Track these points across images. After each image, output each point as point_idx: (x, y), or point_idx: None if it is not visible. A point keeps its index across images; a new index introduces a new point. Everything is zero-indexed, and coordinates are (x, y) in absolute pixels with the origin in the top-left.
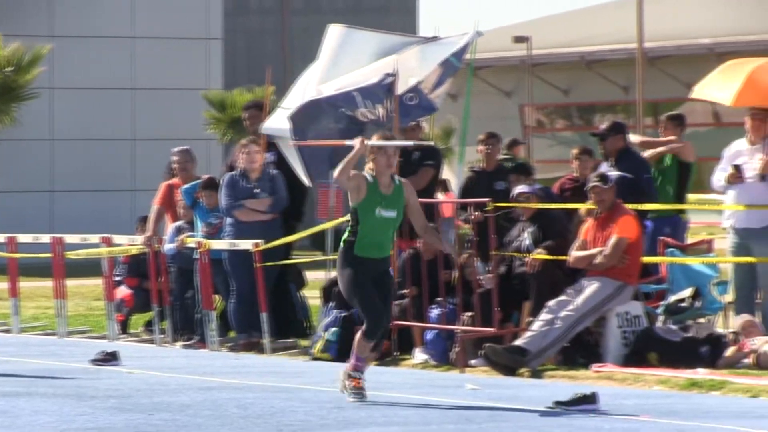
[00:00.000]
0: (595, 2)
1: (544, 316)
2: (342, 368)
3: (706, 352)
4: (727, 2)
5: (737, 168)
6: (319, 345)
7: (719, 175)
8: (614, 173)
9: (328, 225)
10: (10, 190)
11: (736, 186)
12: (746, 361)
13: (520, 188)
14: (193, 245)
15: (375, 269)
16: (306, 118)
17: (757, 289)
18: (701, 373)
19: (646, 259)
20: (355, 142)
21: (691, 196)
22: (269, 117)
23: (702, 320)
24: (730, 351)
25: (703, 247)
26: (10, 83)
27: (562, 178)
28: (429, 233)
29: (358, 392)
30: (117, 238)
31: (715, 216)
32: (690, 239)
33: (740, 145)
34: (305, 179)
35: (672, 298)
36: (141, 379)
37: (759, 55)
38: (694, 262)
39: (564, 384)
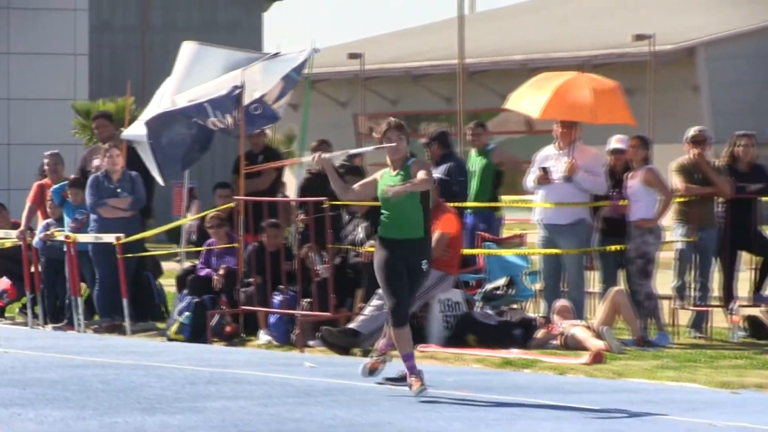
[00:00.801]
0: (421, 22)
1: (374, 302)
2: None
3: (519, 334)
4: (537, 22)
5: (545, 170)
6: (174, 327)
7: (530, 177)
8: (436, 176)
9: (183, 221)
10: None
11: (544, 186)
12: (554, 342)
13: None
14: (61, 238)
15: (401, 252)
16: (161, 124)
17: (563, 279)
18: (514, 353)
19: (466, 252)
20: (313, 158)
21: (505, 197)
22: (131, 125)
23: (515, 306)
24: (540, 333)
25: (516, 241)
26: None
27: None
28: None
29: (422, 389)
30: None
31: (527, 213)
32: (504, 234)
33: (549, 150)
34: (159, 179)
35: (488, 287)
36: (15, 357)
37: (566, 69)
38: (508, 254)
39: (394, 363)
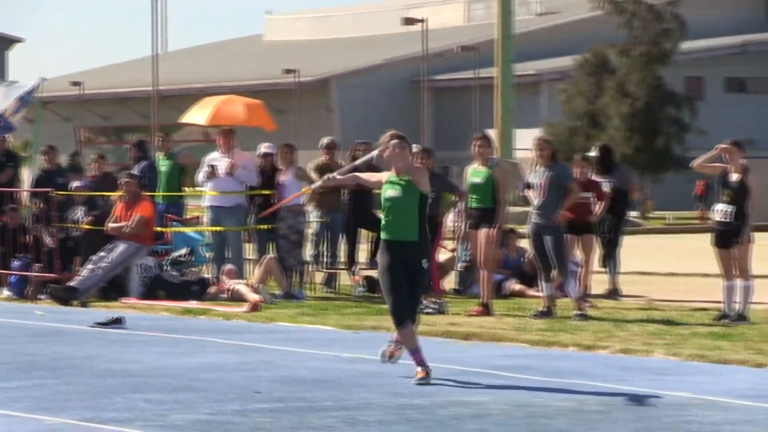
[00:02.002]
0: (127, 58)
1: (89, 265)
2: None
3: (197, 290)
4: (213, 58)
5: (213, 168)
6: None
7: (201, 174)
8: (134, 171)
9: None
10: None
11: (212, 180)
12: (223, 296)
13: (75, 183)
14: None
15: (402, 253)
16: None
17: (227, 249)
18: (193, 304)
19: (158, 229)
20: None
21: (187, 188)
22: None
23: (194, 269)
24: (212, 289)
25: (195, 221)
26: None
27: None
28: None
29: (423, 379)
30: None
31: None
32: (187, 215)
33: (215, 154)
34: None
35: (174, 255)
36: None
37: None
38: (189, 230)
39: (103, 311)
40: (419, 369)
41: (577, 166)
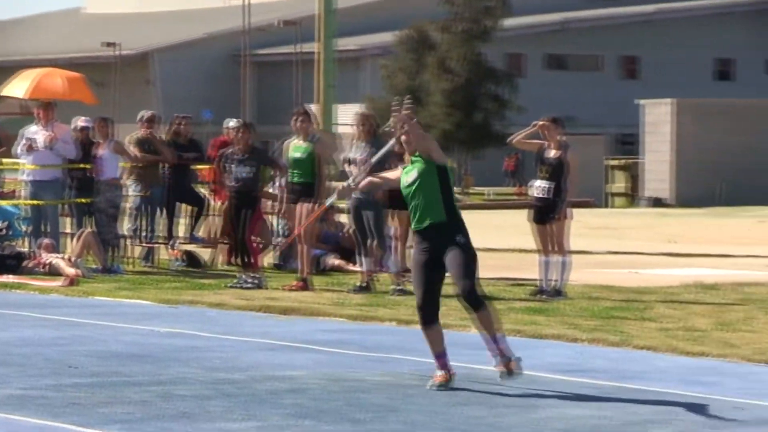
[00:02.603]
0: None
1: None
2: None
3: (13, 264)
4: (39, 33)
5: (31, 141)
6: None
7: (19, 147)
8: None
9: None
10: None
11: (31, 153)
12: (40, 270)
13: None
14: None
15: (431, 241)
16: None
17: (44, 222)
18: (10, 278)
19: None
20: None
21: (5, 160)
22: None
23: (11, 243)
24: (29, 263)
25: (12, 194)
26: None
27: None
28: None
29: (437, 384)
30: None
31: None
32: (3, 189)
33: (34, 127)
34: None
35: None
36: None
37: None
38: (5, 204)
39: None
40: (440, 373)
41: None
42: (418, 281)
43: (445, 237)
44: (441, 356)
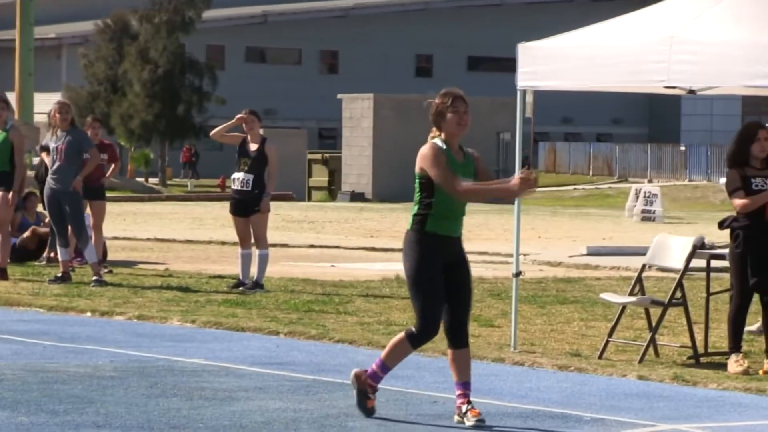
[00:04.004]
0: None
1: None
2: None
3: None
4: None
5: None
6: None
7: None
8: None
9: None
10: None
11: None
12: None
13: None
14: None
15: (449, 250)
16: None
17: None
18: None
19: None
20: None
21: None
22: None
23: None
24: None
25: None
26: None
27: None
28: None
29: (364, 408)
30: None
31: None
32: None
33: None
34: None
35: None
36: None
37: None
38: None
39: None
40: (372, 393)
41: (89, 128)
42: (432, 305)
43: (459, 249)
44: (387, 370)
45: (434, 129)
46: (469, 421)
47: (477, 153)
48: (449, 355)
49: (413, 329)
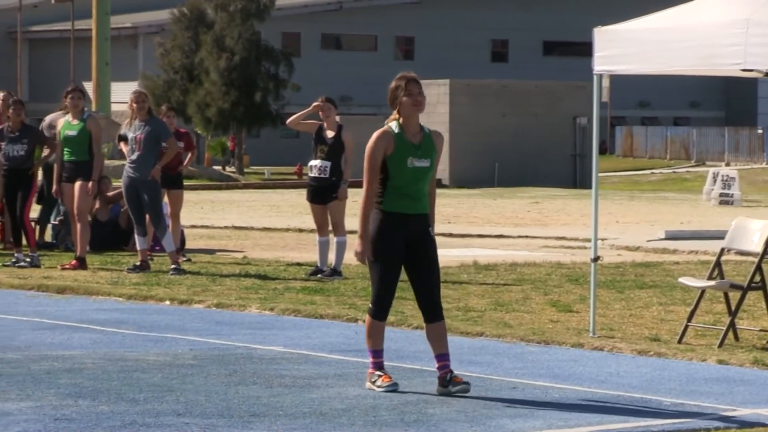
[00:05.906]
0: None
1: None
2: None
3: None
4: None
5: None
6: None
7: None
8: None
9: None
10: None
11: None
12: None
13: None
14: None
15: (410, 227)
16: None
17: None
18: None
19: None
20: None
21: None
22: None
23: None
24: None
25: None
26: None
27: None
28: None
29: (391, 386)
30: None
31: None
32: None
33: None
34: None
35: None
36: None
37: None
38: None
39: None
40: (381, 373)
41: (163, 117)
42: (386, 277)
43: (424, 227)
44: (380, 353)
45: (395, 112)
46: (455, 387)
47: (439, 133)
48: (425, 329)
49: (370, 305)
